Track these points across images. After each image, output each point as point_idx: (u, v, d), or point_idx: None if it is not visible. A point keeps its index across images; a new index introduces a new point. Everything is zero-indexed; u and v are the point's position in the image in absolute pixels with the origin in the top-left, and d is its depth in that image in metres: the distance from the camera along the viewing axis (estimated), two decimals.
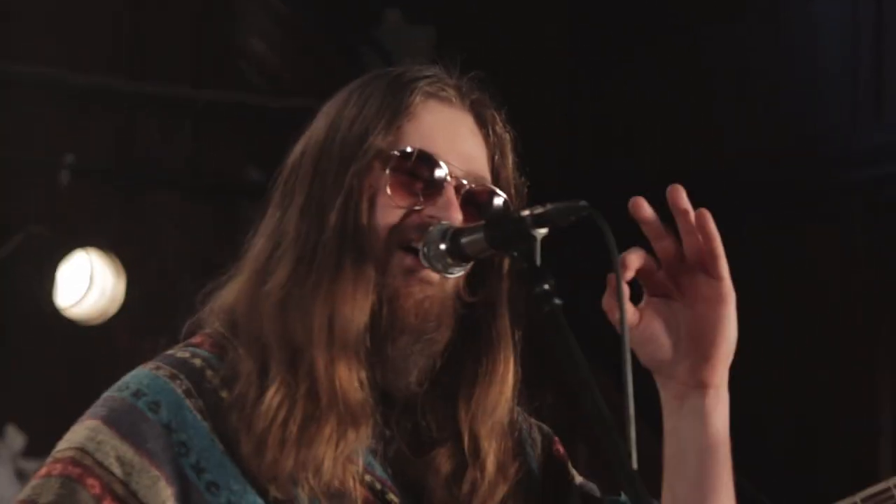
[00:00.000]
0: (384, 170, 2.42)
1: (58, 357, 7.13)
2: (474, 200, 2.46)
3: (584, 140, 8.45)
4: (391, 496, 2.42)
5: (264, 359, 2.39)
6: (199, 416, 2.35)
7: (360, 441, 2.38)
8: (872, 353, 7.69)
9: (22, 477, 7.24)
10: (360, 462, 2.39)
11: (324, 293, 2.37)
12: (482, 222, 2.37)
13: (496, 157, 2.51)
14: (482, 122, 2.51)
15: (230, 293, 2.50)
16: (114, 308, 6.92)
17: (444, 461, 2.45)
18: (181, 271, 7.35)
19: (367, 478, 2.40)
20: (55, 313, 6.82)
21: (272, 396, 2.35)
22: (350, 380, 2.37)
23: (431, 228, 2.38)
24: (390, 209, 2.42)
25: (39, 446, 7.21)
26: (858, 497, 2.64)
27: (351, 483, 2.36)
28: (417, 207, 2.42)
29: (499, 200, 2.48)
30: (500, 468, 2.48)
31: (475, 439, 2.46)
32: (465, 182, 2.45)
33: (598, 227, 2.24)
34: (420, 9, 7.87)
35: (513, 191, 2.52)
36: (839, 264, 7.81)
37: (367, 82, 2.50)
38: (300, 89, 7.35)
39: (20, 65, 6.93)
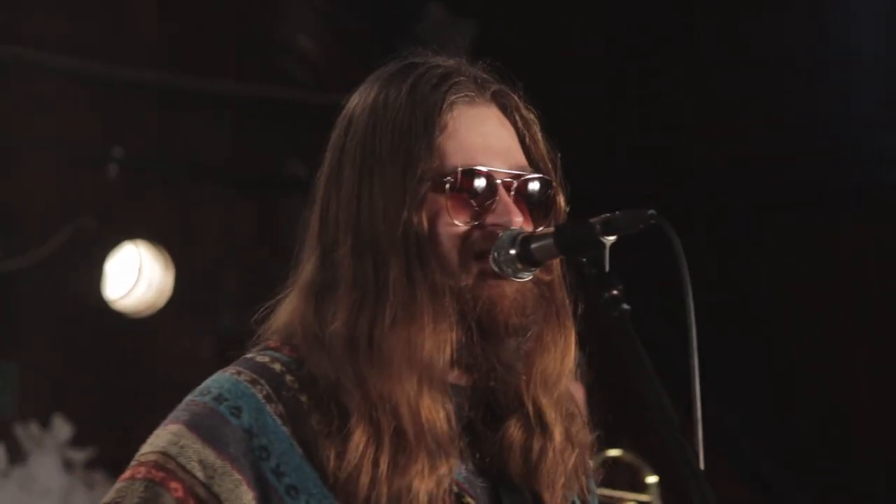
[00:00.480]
0: (437, 194, 2.46)
1: (105, 349, 7.21)
2: (522, 191, 2.52)
3: (621, 132, 8.46)
4: (468, 499, 2.47)
5: (338, 394, 2.42)
6: (279, 421, 2.39)
7: (451, 468, 2.42)
8: None
9: (69, 467, 7.33)
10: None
11: (400, 329, 2.40)
12: (551, 230, 2.44)
13: (527, 139, 2.57)
14: (507, 111, 2.57)
15: (284, 317, 2.52)
16: (162, 300, 6.99)
17: (515, 432, 2.51)
18: (224, 264, 7.44)
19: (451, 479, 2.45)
20: (103, 305, 6.89)
21: (359, 437, 2.37)
22: (436, 412, 2.40)
23: (501, 235, 2.45)
24: (453, 228, 2.46)
25: (86, 436, 7.30)
26: None
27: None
28: (477, 220, 2.47)
29: (542, 183, 2.52)
30: (567, 435, 2.54)
31: (539, 410, 2.52)
32: (510, 180, 2.50)
33: (665, 234, 2.30)
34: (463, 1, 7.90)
35: (549, 165, 2.57)
36: (874, 261, 7.82)
37: (386, 85, 2.51)
38: (342, 84, 7.41)
39: (67, 59, 7.00)
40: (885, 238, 7.82)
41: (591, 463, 2.68)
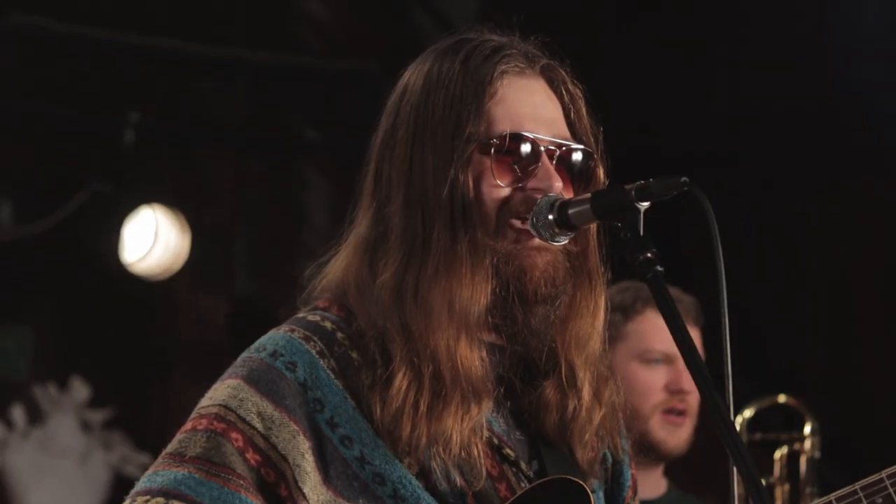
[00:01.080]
0: (484, 155, 2.61)
1: (122, 311, 7.31)
2: (565, 160, 2.65)
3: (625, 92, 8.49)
4: (507, 451, 2.62)
5: (384, 342, 2.57)
6: (332, 375, 2.54)
7: (482, 414, 2.57)
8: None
9: (87, 427, 7.43)
10: (484, 427, 2.59)
11: (443, 280, 2.55)
12: (588, 195, 2.56)
13: (571, 113, 2.70)
14: (554, 85, 2.70)
15: (337, 273, 2.67)
16: (178, 264, 7.07)
17: (551, 391, 2.66)
18: (238, 227, 7.53)
19: (486, 434, 2.60)
20: (121, 269, 6.98)
21: (401, 380, 2.52)
22: (472, 359, 2.55)
23: (540, 200, 2.58)
24: (496, 189, 2.60)
25: (103, 397, 7.41)
26: (857, 486, 2.76)
27: (476, 451, 2.55)
28: (520, 183, 2.61)
29: (584, 155, 2.65)
30: (595, 394, 2.69)
31: (571, 369, 2.66)
32: (554, 148, 2.64)
33: (697, 201, 2.42)
34: None
35: (591, 139, 2.71)
36: (881, 222, 7.89)
37: (440, 57, 2.67)
38: (354, 50, 7.50)
39: (82, 26, 7.06)
40: (885, 198, 7.90)
41: (626, 441, 2.83)
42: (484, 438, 2.59)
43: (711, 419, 2.32)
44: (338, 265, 2.69)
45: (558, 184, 2.61)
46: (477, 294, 2.56)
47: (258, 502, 2.46)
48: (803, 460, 5.10)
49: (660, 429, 4.39)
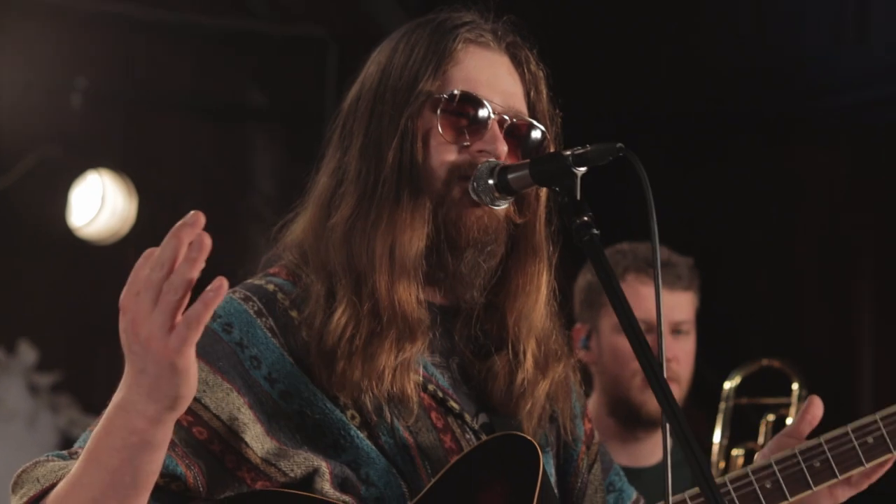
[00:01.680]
0: (435, 112, 2.71)
1: (69, 276, 7.32)
2: (516, 133, 2.75)
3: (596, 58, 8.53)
4: (452, 403, 2.72)
5: (331, 284, 2.69)
6: (269, 334, 2.64)
7: (416, 352, 2.68)
8: (856, 264, 7.90)
9: (34, 391, 7.45)
10: (421, 372, 2.69)
11: (385, 224, 2.67)
12: (527, 161, 2.65)
13: (532, 93, 2.81)
14: (518, 63, 2.80)
15: (299, 227, 2.79)
16: (125, 228, 7.09)
17: (501, 365, 2.77)
18: (186, 191, 7.55)
19: (430, 387, 2.70)
20: (68, 233, 6.99)
21: (340, 315, 2.64)
22: (409, 299, 2.67)
23: (481, 164, 2.67)
24: (443, 146, 2.70)
25: (51, 361, 7.43)
26: (849, 428, 2.86)
27: (410, 390, 2.65)
28: (466, 143, 2.70)
29: (537, 133, 2.76)
30: (538, 366, 2.79)
31: (517, 342, 2.78)
32: (506, 117, 2.73)
33: (632, 166, 2.49)
34: None
35: (548, 121, 2.81)
36: (826, 186, 7.99)
37: (412, 30, 2.80)
38: (303, 16, 7.52)
39: None
40: (837, 162, 8.00)
41: (578, 401, 2.93)
42: (428, 391, 2.69)
43: (648, 381, 2.40)
44: (301, 218, 2.81)
45: (503, 148, 2.70)
46: (415, 239, 2.67)
47: (183, 458, 2.54)
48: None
49: (639, 392, 4.40)
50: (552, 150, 2.77)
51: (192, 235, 2.16)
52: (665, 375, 4.25)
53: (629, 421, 4.44)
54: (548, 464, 2.84)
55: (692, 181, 8.00)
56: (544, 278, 2.79)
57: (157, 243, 6.86)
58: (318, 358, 2.64)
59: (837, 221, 7.99)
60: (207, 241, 2.17)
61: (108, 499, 2.30)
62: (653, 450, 4.46)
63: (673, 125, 8.03)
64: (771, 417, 5.02)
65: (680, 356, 4.46)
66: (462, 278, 2.73)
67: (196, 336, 2.18)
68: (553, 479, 2.86)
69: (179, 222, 2.18)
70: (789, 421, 4.87)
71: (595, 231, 2.48)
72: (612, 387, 4.47)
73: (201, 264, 2.16)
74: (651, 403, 4.38)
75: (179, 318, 2.17)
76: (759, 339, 7.89)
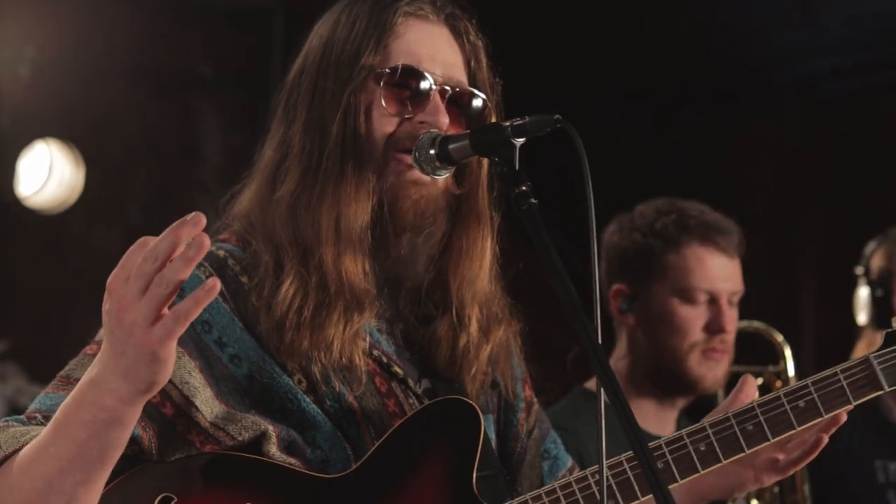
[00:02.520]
0: (377, 85, 2.77)
1: (17, 245, 7.31)
2: (458, 103, 2.82)
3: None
4: (395, 368, 2.79)
5: (279, 255, 2.75)
6: (220, 299, 2.70)
7: (363, 322, 2.74)
8: (802, 241, 7.98)
9: None
10: (368, 339, 2.76)
11: (329, 197, 2.74)
12: (468, 131, 2.71)
13: (472, 63, 2.88)
14: (457, 33, 2.87)
15: (246, 199, 2.86)
16: (73, 197, 7.09)
17: (443, 331, 2.85)
18: (134, 161, 7.55)
19: (375, 353, 2.78)
20: (15, 202, 6.98)
21: (288, 287, 2.70)
22: (355, 271, 2.73)
23: (422, 135, 2.73)
24: (385, 119, 2.77)
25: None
26: (838, 368, 2.90)
27: (358, 359, 2.72)
28: (408, 116, 2.77)
29: (478, 101, 2.83)
30: (483, 331, 2.87)
31: (462, 307, 2.85)
32: (447, 88, 2.80)
33: (570, 137, 2.55)
34: None
35: (489, 90, 2.88)
36: (772, 161, 8.06)
37: (352, 2, 2.86)
38: None
39: None
40: (782, 136, 8.07)
41: (519, 366, 3.00)
42: (373, 356, 2.76)
43: (580, 339, 2.44)
44: (248, 190, 2.87)
45: (445, 119, 2.77)
46: (360, 211, 2.73)
47: (139, 420, 2.56)
48: (779, 386, 4.94)
49: (698, 366, 4.27)
50: (494, 118, 2.84)
51: (191, 234, 2.22)
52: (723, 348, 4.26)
53: (673, 389, 4.30)
54: (489, 428, 2.91)
55: (641, 155, 8.06)
56: (488, 244, 2.86)
57: (103, 213, 6.85)
58: (268, 326, 2.70)
59: (785, 193, 8.07)
60: (207, 243, 2.22)
61: (74, 470, 2.36)
62: (669, 421, 4.35)
63: (622, 100, 8.08)
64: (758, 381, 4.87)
65: (732, 328, 4.34)
66: (403, 259, 2.80)
67: (182, 330, 2.24)
68: (493, 444, 2.93)
69: (181, 220, 2.23)
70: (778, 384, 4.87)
71: (533, 200, 2.53)
72: (661, 353, 4.31)
73: (195, 264, 2.22)
74: (710, 378, 4.27)
75: (165, 310, 2.22)
76: None
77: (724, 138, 8.15)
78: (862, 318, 5.08)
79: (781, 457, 2.94)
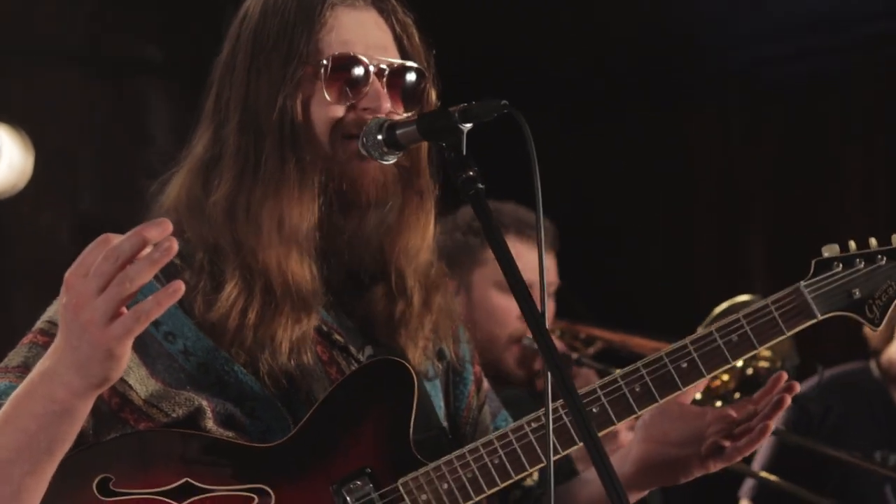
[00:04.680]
0: (314, 79, 2.78)
1: None
2: (396, 81, 2.84)
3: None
4: (336, 336, 2.82)
5: (216, 256, 2.75)
6: (153, 281, 2.66)
7: (312, 324, 2.75)
8: (748, 229, 8.03)
9: None
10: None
11: (271, 199, 2.74)
12: (415, 117, 2.73)
13: (404, 40, 2.90)
14: (385, 14, 2.89)
15: (173, 194, 2.85)
16: (22, 182, 7.06)
17: (380, 297, 2.86)
18: (82, 146, 7.51)
19: (315, 322, 2.79)
20: None
21: (231, 289, 2.72)
22: (302, 273, 2.74)
23: (369, 122, 2.75)
24: (328, 110, 2.78)
25: None
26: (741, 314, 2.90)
27: (307, 359, 2.74)
28: (350, 103, 2.78)
29: (413, 75, 2.84)
30: (425, 302, 2.90)
31: (401, 278, 2.87)
32: (383, 68, 2.82)
33: (516, 123, 2.57)
34: None
35: (424, 61, 2.90)
36: (718, 148, 8.11)
37: None
38: None
39: None
40: (731, 124, 8.12)
41: (468, 344, 3.03)
42: (314, 326, 2.77)
43: (522, 310, 2.47)
44: (175, 184, 2.86)
45: (387, 104, 2.79)
46: (305, 212, 2.74)
47: None
48: None
49: (513, 359, 4.52)
50: (432, 90, 2.86)
51: (157, 238, 2.23)
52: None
53: (494, 383, 4.46)
54: (436, 396, 2.95)
55: (590, 143, 8.10)
56: (431, 216, 2.89)
57: (52, 198, 6.76)
58: (207, 318, 2.71)
59: (731, 178, 8.13)
60: (175, 248, 2.24)
61: (22, 461, 2.36)
62: None
63: (571, 85, 8.10)
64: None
65: (550, 320, 4.56)
66: (366, 238, 2.80)
67: (140, 329, 2.26)
68: (443, 412, 2.97)
69: (147, 223, 2.24)
70: None
71: (480, 186, 2.55)
72: (484, 343, 4.48)
73: (160, 267, 2.23)
74: (522, 373, 4.48)
75: (123, 309, 2.24)
76: (655, 299, 8.03)
77: (674, 123, 8.19)
78: None
79: (728, 444, 2.96)
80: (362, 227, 2.79)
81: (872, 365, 5.13)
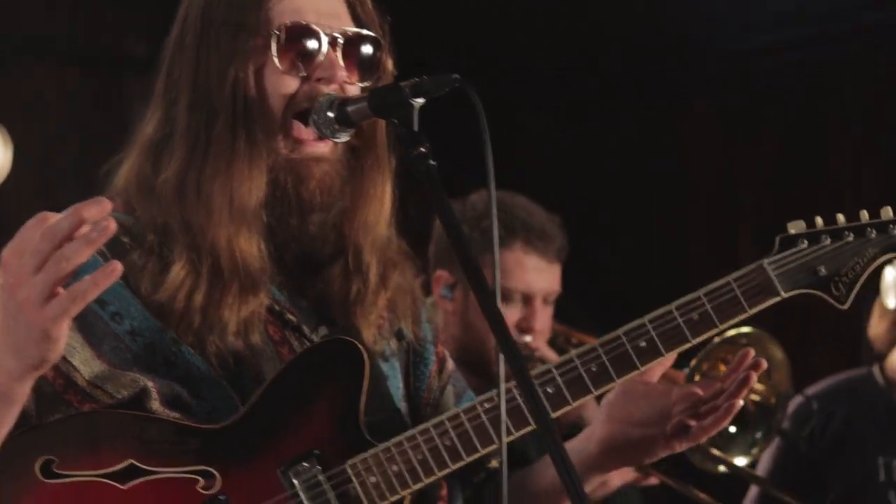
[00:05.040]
0: (265, 52, 2.72)
1: None
2: (351, 51, 2.77)
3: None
4: (289, 316, 2.76)
5: (165, 237, 2.70)
6: (100, 258, 2.59)
7: (260, 303, 2.70)
8: (742, 229, 8.03)
9: None
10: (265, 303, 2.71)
11: (221, 176, 2.69)
12: (366, 93, 2.68)
13: (357, 8, 2.84)
14: None
15: (123, 177, 2.80)
16: (1, 177, 7.02)
17: (337, 276, 2.80)
18: (64, 141, 7.48)
19: (268, 301, 2.73)
20: None
21: (178, 270, 2.66)
22: (250, 251, 2.69)
23: (320, 98, 2.69)
24: (281, 83, 2.72)
25: None
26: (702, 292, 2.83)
27: (256, 338, 2.69)
28: (304, 74, 2.72)
29: (368, 46, 2.78)
30: (382, 279, 2.84)
31: (358, 253, 2.81)
32: (337, 36, 2.76)
33: (469, 98, 2.52)
34: None
35: (378, 30, 2.83)
36: (710, 141, 8.10)
37: None
38: None
39: None
40: (727, 110, 8.10)
41: (430, 323, 2.98)
42: (265, 306, 2.72)
43: (480, 302, 2.44)
44: (126, 165, 2.81)
45: (342, 72, 2.73)
46: (254, 189, 2.69)
47: None
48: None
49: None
50: (388, 59, 2.80)
51: (95, 217, 2.20)
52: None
53: (485, 384, 4.42)
54: (394, 376, 2.90)
55: (582, 138, 8.07)
56: (388, 188, 2.83)
57: (33, 194, 6.71)
58: (154, 299, 2.66)
59: (728, 178, 8.11)
60: (113, 227, 2.20)
61: None
62: None
63: (566, 76, 8.07)
64: None
65: (547, 329, 4.47)
66: (311, 237, 2.76)
67: (77, 310, 2.22)
68: (401, 392, 2.91)
69: (86, 201, 2.22)
70: None
71: (432, 162, 2.49)
72: (470, 344, 4.45)
73: (97, 247, 2.20)
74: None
75: (60, 290, 2.20)
76: (650, 298, 7.98)
77: (669, 121, 8.16)
78: (892, 301, 4.94)
79: (693, 423, 2.89)
80: (307, 227, 2.76)
81: (876, 370, 5.07)
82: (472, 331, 4.48)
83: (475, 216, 4.47)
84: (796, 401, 4.92)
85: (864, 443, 4.91)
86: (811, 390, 5.04)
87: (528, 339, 4.46)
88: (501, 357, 2.45)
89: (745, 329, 4.48)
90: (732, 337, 4.44)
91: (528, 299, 4.43)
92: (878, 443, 4.91)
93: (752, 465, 4.58)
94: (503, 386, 2.50)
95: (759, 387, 4.52)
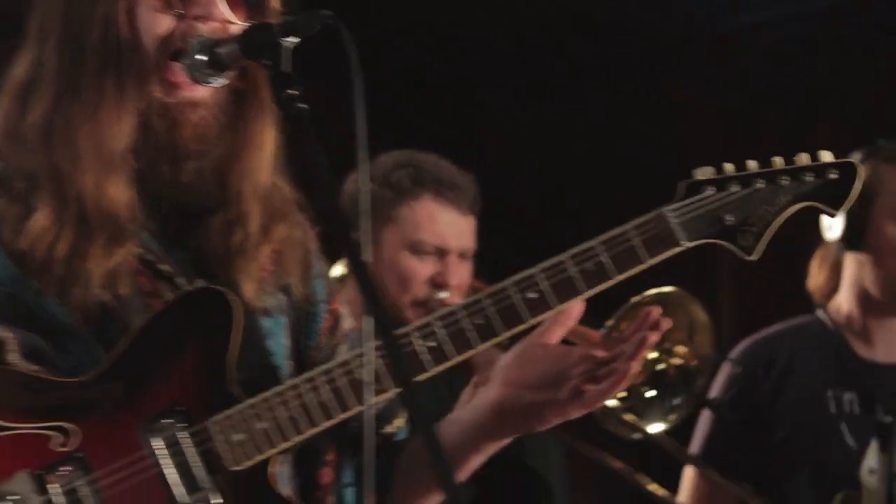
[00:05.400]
0: None
1: None
2: None
3: None
4: (162, 266, 2.63)
5: (33, 183, 2.58)
6: None
7: (127, 253, 2.57)
8: None
9: None
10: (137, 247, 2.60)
11: (89, 121, 2.56)
12: (237, 35, 2.54)
13: None
14: None
15: None
16: None
17: (216, 227, 2.67)
18: None
19: (140, 251, 2.61)
20: None
21: (40, 218, 2.54)
22: (118, 198, 2.57)
23: (192, 42, 2.56)
24: (155, 22, 2.59)
25: None
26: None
27: (123, 289, 2.56)
28: (180, 11, 2.59)
29: None
30: (264, 229, 2.69)
31: (239, 202, 2.67)
32: None
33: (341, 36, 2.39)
34: None
35: None
36: (710, 141, 8.02)
37: None
38: None
39: None
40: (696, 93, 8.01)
41: (324, 279, 2.84)
42: (137, 255, 2.60)
43: (337, 242, 2.33)
44: None
45: (221, 9, 2.60)
46: (123, 133, 2.57)
47: None
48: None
49: (414, 317, 4.15)
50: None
51: None
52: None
53: None
54: (278, 332, 2.76)
55: (544, 117, 7.97)
56: (271, 134, 2.69)
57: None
58: (13, 247, 2.55)
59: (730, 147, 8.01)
60: None
61: None
62: None
63: (521, 60, 7.98)
64: None
65: (464, 285, 4.34)
66: (184, 186, 2.63)
67: None
68: (286, 350, 2.77)
69: None
70: None
71: (303, 105, 2.36)
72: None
73: None
74: None
75: None
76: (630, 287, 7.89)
77: (660, 92, 8.07)
78: (832, 233, 4.78)
79: (590, 387, 2.68)
80: (180, 176, 2.62)
81: (821, 313, 4.93)
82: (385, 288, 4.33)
83: (383, 172, 4.37)
84: (725, 369, 4.79)
85: (811, 378, 4.80)
86: (760, 335, 4.90)
87: (443, 294, 4.30)
88: (367, 315, 2.31)
89: (667, 289, 4.32)
90: (652, 296, 4.26)
91: (442, 253, 4.30)
92: (825, 377, 4.79)
93: (671, 432, 4.39)
94: (371, 345, 2.38)
95: (680, 349, 4.35)
